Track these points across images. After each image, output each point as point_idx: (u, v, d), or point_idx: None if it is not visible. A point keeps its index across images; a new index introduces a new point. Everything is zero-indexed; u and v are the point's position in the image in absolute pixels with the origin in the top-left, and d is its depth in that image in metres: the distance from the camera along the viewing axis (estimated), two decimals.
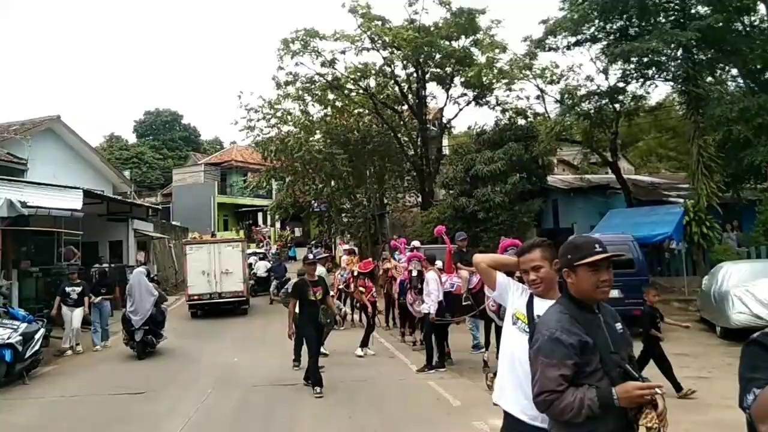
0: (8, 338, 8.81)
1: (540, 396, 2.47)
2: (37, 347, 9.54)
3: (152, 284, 11.92)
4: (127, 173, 36.71)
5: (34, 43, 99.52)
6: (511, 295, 3.33)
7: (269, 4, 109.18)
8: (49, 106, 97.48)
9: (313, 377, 8.16)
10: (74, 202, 14.80)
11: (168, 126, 58.04)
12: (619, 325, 2.74)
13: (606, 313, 2.72)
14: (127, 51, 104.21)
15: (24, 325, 9.31)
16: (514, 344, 3.14)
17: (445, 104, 24.88)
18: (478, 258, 3.56)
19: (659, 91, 22.19)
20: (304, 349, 8.95)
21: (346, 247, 19.84)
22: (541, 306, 2.91)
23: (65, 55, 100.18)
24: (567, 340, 2.46)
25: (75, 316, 11.59)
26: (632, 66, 17.94)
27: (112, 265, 19.92)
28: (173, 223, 34.01)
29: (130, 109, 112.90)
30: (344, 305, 14.76)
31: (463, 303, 9.35)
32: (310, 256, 10.09)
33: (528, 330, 2.97)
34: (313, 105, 25.53)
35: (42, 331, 9.92)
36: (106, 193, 23.44)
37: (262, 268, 22.85)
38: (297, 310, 8.88)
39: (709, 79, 18.01)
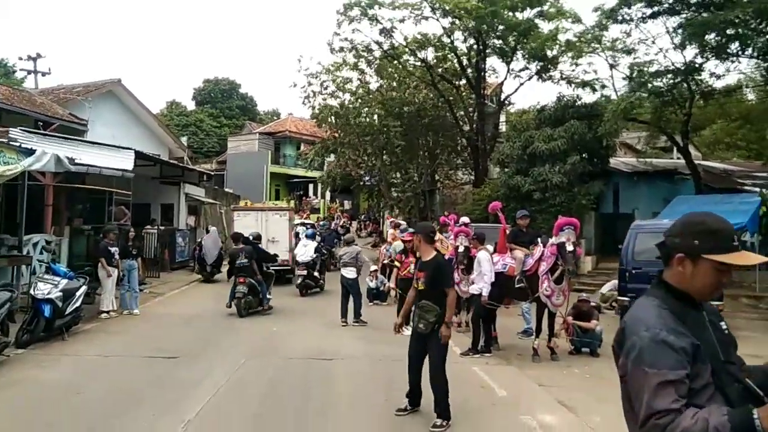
0: (48, 293, 8.76)
1: (649, 420, 1.83)
2: (78, 304, 9.50)
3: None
4: (184, 139, 37.28)
5: (105, 12, 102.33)
6: None
7: None
8: (114, 72, 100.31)
9: (439, 406, 5.63)
10: (126, 162, 14.82)
11: (226, 95, 58.50)
12: (724, 325, 2.10)
13: (708, 310, 2.09)
14: (190, 20, 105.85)
15: (65, 281, 9.25)
16: None
17: (506, 78, 23.87)
18: None
19: (731, 76, 20.44)
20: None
21: (393, 220, 19.35)
22: None
23: (132, 23, 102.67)
24: (677, 343, 1.85)
25: (115, 278, 11.51)
26: (712, 39, 16.44)
27: (162, 228, 20.17)
28: (226, 189, 34.32)
29: (191, 76, 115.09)
30: (388, 280, 14.30)
31: (516, 286, 8.74)
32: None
33: None
34: (371, 76, 25.05)
35: (84, 288, 9.87)
36: (162, 157, 23.74)
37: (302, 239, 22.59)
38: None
39: None
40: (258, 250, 13.28)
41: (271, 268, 14.02)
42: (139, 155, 17.48)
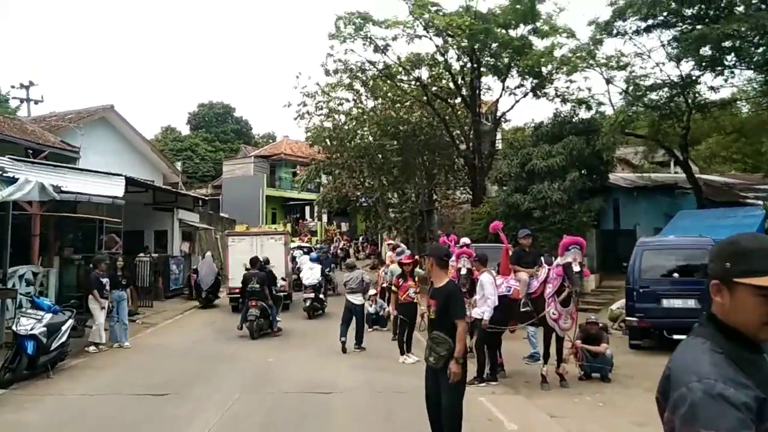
0: (31, 329, 8.34)
1: None
2: (64, 339, 9.07)
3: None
4: (179, 164, 37.03)
5: (96, 37, 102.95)
6: None
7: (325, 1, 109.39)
8: (108, 98, 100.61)
9: None
10: (116, 189, 14.47)
11: (221, 119, 58.52)
12: None
13: None
14: (185, 44, 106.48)
15: (49, 315, 8.83)
16: None
17: (501, 95, 23.69)
18: None
19: (726, 89, 20.28)
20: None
21: (391, 242, 18.99)
22: None
23: (125, 49, 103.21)
24: (738, 398, 1.50)
25: (105, 310, 11.09)
26: (709, 52, 16.31)
27: (156, 255, 19.76)
28: (221, 214, 33.97)
29: (185, 101, 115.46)
30: (387, 305, 13.91)
31: (522, 309, 8.36)
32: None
33: None
34: (366, 96, 24.91)
35: (70, 321, 9.45)
36: (156, 183, 23.42)
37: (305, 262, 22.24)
38: None
39: None
40: (271, 276, 13.87)
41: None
42: (130, 181, 17.14)
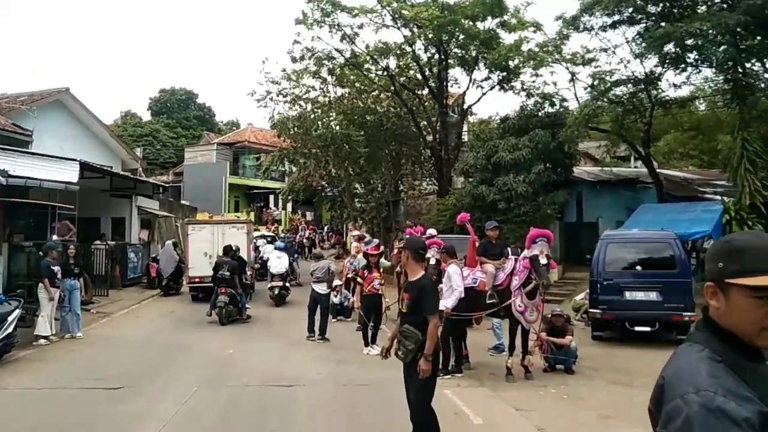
0: None
1: None
2: (9, 330, 8.62)
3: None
4: (139, 151, 35.95)
5: (53, 18, 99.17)
6: None
7: None
8: (65, 82, 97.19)
9: None
10: (70, 174, 13.90)
11: (183, 105, 57.19)
12: None
13: None
14: (146, 28, 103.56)
15: None
16: None
17: (468, 88, 23.61)
18: None
19: (684, 88, 20.84)
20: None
21: (357, 233, 18.79)
22: None
23: (83, 31, 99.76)
24: (738, 413, 1.34)
25: (56, 300, 10.58)
26: (672, 49, 16.56)
27: (113, 243, 19.12)
28: (182, 202, 33.16)
29: (146, 86, 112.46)
30: (352, 295, 13.74)
31: (488, 301, 8.28)
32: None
33: None
34: (332, 85, 24.54)
35: (17, 312, 8.99)
36: (114, 169, 22.64)
37: (269, 252, 21.85)
38: None
39: (757, 66, 16.60)
40: (241, 264, 14.32)
41: None
42: (85, 167, 16.51)
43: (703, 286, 1.62)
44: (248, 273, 16.37)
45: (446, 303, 8.20)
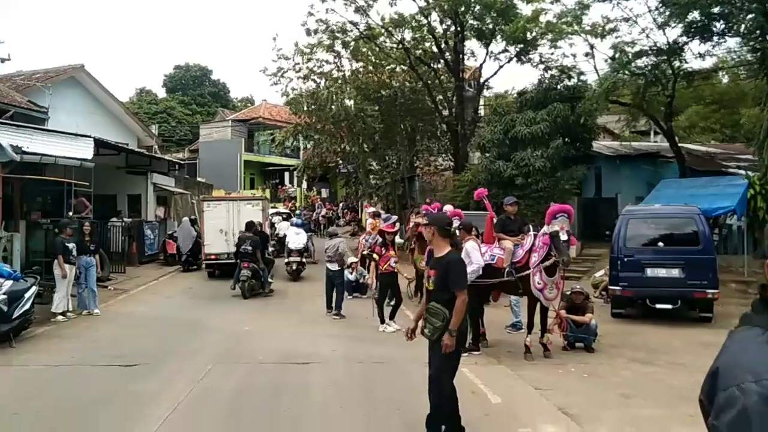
0: None
1: None
2: (27, 306, 8.61)
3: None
4: (154, 128, 35.98)
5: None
6: None
7: None
8: (80, 59, 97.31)
9: (430, 427, 4.93)
10: (84, 151, 13.89)
11: (197, 81, 57.04)
12: None
13: None
14: (161, 3, 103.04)
15: (9, 282, 8.37)
16: None
17: (485, 60, 23.08)
18: None
19: (708, 60, 20.11)
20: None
21: (372, 209, 18.63)
22: None
23: (99, 8, 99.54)
24: None
25: (72, 277, 10.59)
26: (697, 17, 15.97)
27: (129, 220, 19.20)
28: (198, 179, 33.22)
29: (161, 63, 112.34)
30: (368, 272, 13.64)
31: (506, 278, 8.09)
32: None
33: None
34: (347, 59, 24.19)
35: (34, 288, 8.99)
36: (130, 146, 22.66)
37: (284, 229, 21.82)
38: None
39: None
40: (263, 239, 14.72)
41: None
42: (100, 143, 16.49)
43: (763, 263, 1.44)
44: (270, 248, 16.41)
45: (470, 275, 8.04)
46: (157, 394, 6.33)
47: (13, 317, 8.31)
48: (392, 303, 10.29)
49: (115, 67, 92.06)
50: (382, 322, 9.99)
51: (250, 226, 14.41)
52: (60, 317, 10.35)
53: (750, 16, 15.33)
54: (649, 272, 10.52)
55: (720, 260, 14.89)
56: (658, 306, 10.48)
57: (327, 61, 24.04)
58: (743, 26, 15.84)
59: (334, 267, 11.58)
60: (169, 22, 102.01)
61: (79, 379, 7.04)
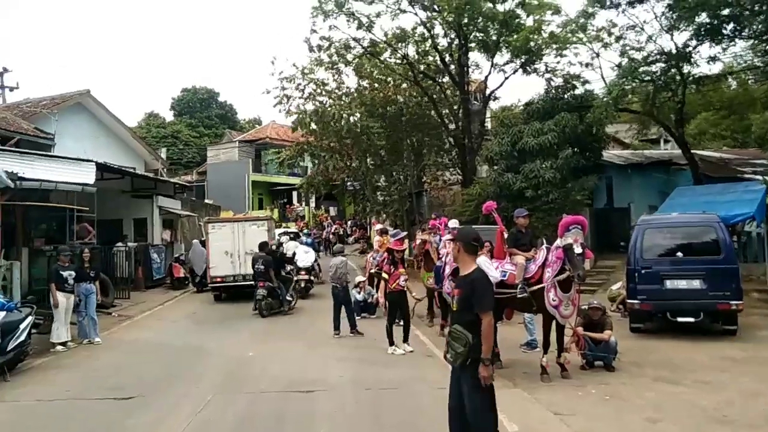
0: None
1: None
2: (22, 338, 8.35)
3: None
4: (163, 151, 36.08)
5: (76, 23, 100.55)
6: None
7: None
8: (89, 85, 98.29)
9: None
10: (86, 176, 13.69)
11: (204, 104, 57.34)
12: None
13: None
14: (167, 29, 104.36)
15: (2, 314, 8.11)
16: None
17: (490, 73, 22.84)
18: None
19: (717, 65, 19.85)
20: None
21: (379, 226, 18.29)
22: None
23: (107, 34, 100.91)
24: None
25: (70, 305, 10.31)
26: (706, 20, 15.65)
27: (134, 244, 19.00)
28: (206, 201, 33.11)
29: (169, 86, 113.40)
30: (376, 291, 13.27)
31: (518, 296, 7.70)
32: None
33: None
34: (347, 75, 24.09)
35: (30, 319, 8.71)
36: (137, 170, 22.58)
37: (292, 248, 21.53)
38: None
39: None
40: (278, 260, 15.08)
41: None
42: (104, 168, 16.36)
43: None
44: (287, 267, 16.27)
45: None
46: (154, 428, 5.99)
47: (8, 349, 8.04)
48: (401, 323, 9.91)
49: (125, 91, 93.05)
50: (391, 344, 9.60)
51: (263, 246, 14.59)
52: (59, 347, 10.05)
53: (760, 17, 15.00)
54: (669, 284, 10.07)
55: (740, 269, 14.49)
56: (680, 319, 10.02)
57: (327, 81, 24.05)
58: (754, 29, 15.50)
59: (340, 285, 11.40)
60: (177, 45, 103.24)
61: (72, 414, 6.69)
